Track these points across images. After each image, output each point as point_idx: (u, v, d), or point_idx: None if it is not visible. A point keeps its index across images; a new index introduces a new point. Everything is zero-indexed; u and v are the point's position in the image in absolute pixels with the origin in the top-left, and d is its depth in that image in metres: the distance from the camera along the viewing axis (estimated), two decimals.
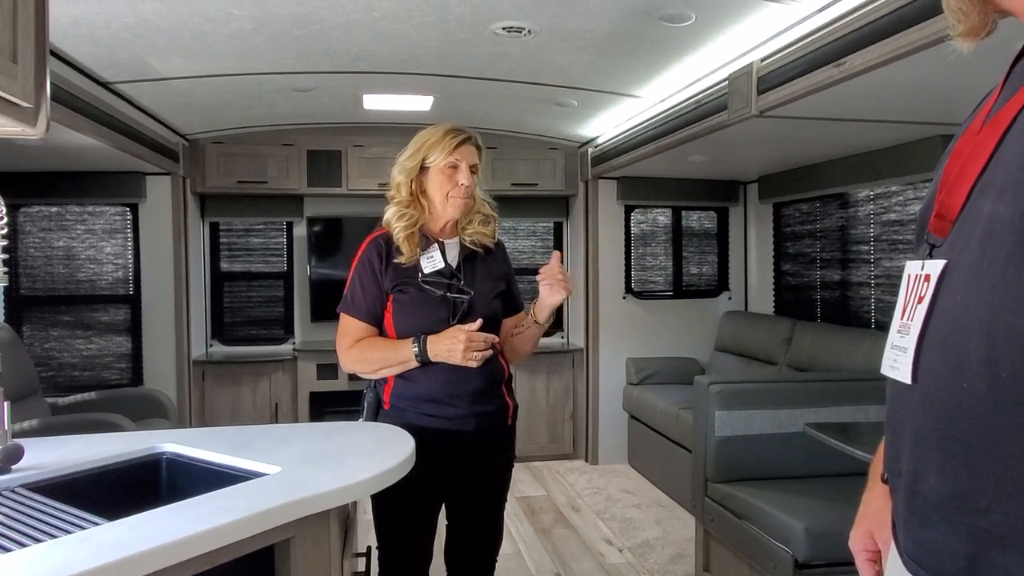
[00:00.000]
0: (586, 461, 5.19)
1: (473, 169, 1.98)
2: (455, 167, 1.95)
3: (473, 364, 1.87)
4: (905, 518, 0.90)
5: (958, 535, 0.81)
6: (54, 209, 4.53)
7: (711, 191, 5.24)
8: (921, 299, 0.88)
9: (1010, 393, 0.75)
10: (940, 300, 0.85)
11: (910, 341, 0.88)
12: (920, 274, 0.89)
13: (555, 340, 5.45)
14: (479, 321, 1.89)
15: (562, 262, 1.96)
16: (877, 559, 1.05)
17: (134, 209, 4.56)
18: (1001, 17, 0.91)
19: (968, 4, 0.87)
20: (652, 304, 5.25)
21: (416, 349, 1.88)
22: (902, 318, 0.91)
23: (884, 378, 0.98)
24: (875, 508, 1.07)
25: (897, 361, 0.90)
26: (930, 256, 0.89)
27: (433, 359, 1.88)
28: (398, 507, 1.90)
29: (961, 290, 0.82)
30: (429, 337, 1.88)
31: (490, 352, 1.91)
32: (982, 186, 0.82)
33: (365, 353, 1.94)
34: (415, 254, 1.94)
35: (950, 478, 0.82)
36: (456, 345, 1.85)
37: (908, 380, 0.88)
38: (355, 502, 2.03)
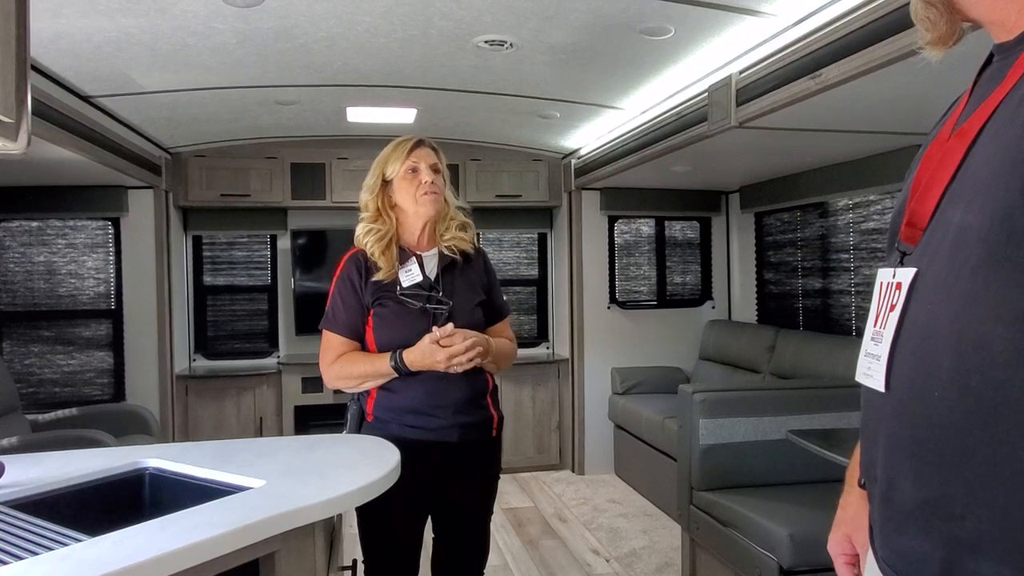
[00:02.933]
0: (572, 471, 5.19)
1: (434, 168, 2.00)
2: (415, 169, 1.98)
3: (458, 369, 1.87)
4: (881, 524, 0.91)
5: (933, 542, 0.82)
6: (35, 224, 4.49)
7: (693, 201, 5.28)
8: (893, 307, 0.89)
9: (980, 402, 0.77)
10: (911, 309, 0.86)
11: (883, 349, 0.89)
12: (892, 282, 0.90)
13: (540, 351, 5.46)
14: (449, 325, 1.88)
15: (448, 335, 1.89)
16: (856, 562, 1.06)
17: (116, 223, 4.53)
18: (972, 29, 0.92)
19: (936, 13, 0.88)
20: (636, 314, 5.28)
21: (393, 364, 1.89)
22: (875, 326, 0.92)
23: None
24: (852, 512, 1.08)
25: (871, 369, 0.91)
26: (901, 264, 0.90)
27: (412, 368, 1.89)
28: (383, 520, 1.89)
29: (932, 299, 0.83)
30: (404, 352, 1.89)
31: (479, 359, 1.89)
32: (951, 195, 0.84)
33: (345, 369, 1.95)
34: (394, 268, 1.95)
35: (924, 486, 0.83)
36: (434, 355, 1.86)
37: (882, 388, 0.89)
38: (340, 515, 2.02)
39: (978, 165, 0.81)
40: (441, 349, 1.85)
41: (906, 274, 0.87)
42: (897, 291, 0.88)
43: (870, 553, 0.98)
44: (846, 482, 1.13)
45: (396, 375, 1.91)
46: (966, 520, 0.78)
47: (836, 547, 1.10)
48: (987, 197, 0.77)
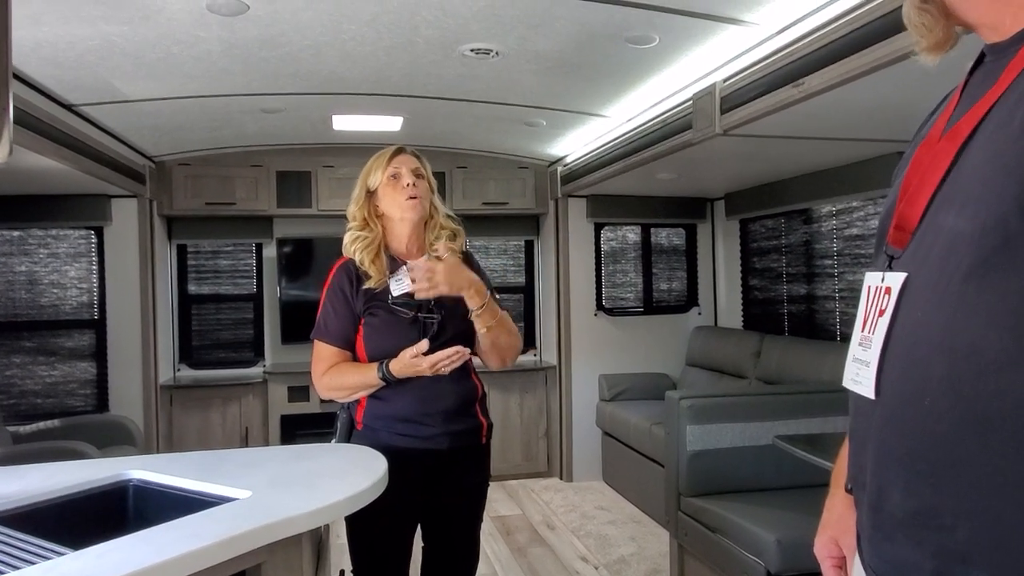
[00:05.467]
0: (560, 479, 5.19)
1: (416, 173, 2.00)
2: (396, 175, 1.99)
3: (445, 371, 1.86)
4: (870, 533, 0.90)
5: (923, 552, 0.81)
6: (16, 233, 4.44)
7: (679, 208, 5.31)
8: (882, 312, 0.87)
9: (972, 411, 0.75)
10: (901, 314, 0.85)
11: (872, 355, 0.87)
12: (881, 286, 0.89)
13: (528, 358, 5.46)
14: (424, 343, 1.85)
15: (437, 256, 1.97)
16: (842, 565, 1.06)
17: (99, 232, 4.49)
18: (964, 33, 0.90)
19: (931, 19, 0.87)
20: (623, 320, 5.30)
21: (381, 375, 1.88)
22: (863, 331, 0.91)
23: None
24: (838, 515, 1.07)
25: (859, 375, 0.90)
26: (889, 268, 0.89)
27: (399, 376, 1.88)
28: (372, 529, 1.88)
29: (922, 305, 0.82)
30: (390, 362, 1.88)
31: (464, 357, 1.87)
32: (942, 198, 0.82)
33: (335, 380, 1.95)
34: (384, 277, 1.95)
35: (914, 495, 0.82)
36: (417, 366, 1.85)
37: (871, 395, 0.87)
38: (327, 525, 2.00)
39: (971, 169, 0.80)
40: (424, 358, 1.84)
41: (896, 278, 0.86)
42: (886, 295, 0.87)
43: (857, 560, 0.97)
44: (831, 485, 1.12)
45: (385, 384, 1.91)
46: (957, 531, 0.77)
47: (823, 550, 1.09)
48: (980, 202, 0.76)
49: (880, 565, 0.89)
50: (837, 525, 1.07)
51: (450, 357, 1.85)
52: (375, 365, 1.90)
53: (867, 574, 0.93)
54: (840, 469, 1.09)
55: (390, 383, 1.90)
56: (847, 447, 1.05)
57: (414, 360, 1.85)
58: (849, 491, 1.01)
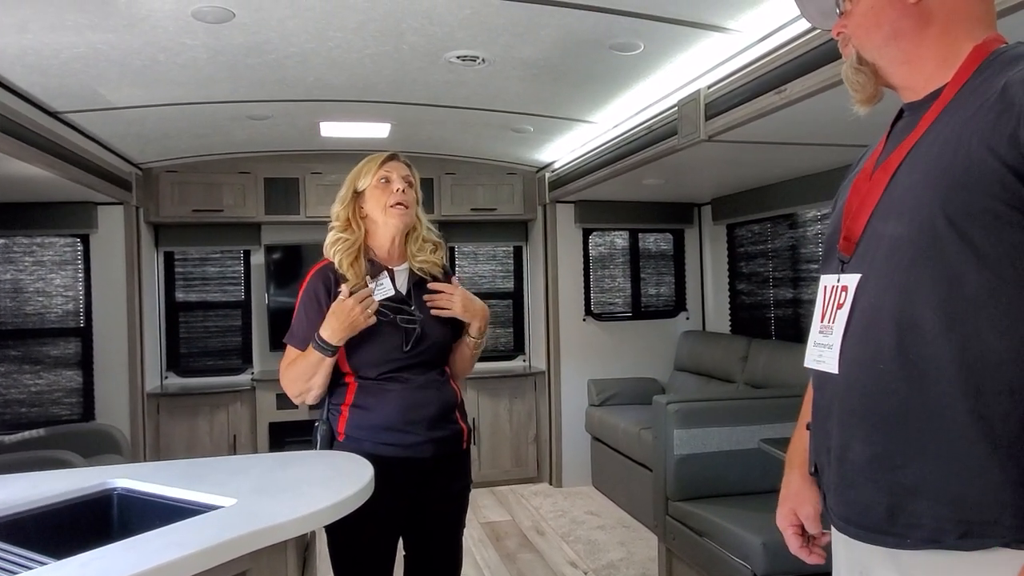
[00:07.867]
0: (550, 484, 5.19)
1: (407, 181, 2.01)
2: (387, 180, 1.99)
3: (371, 319, 1.86)
4: (836, 485, 1.08)
5: (879, 490, 1.00)
6: (1, 241, 4.41)
7: (666, 213, 5.34)
8: (841, 305, 1.07)
9: (916, 372, 0.96)
10: (858, 304, 1.05)
11: (834, 339, 1.08)
12: (837, 285, 1.09)
13: (516, 363, 5.47)
14: (345, 289, 1.88)
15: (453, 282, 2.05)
16: (802, 532, 1.24)
17: (85, 240, 4.47)
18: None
19: (864, 78, 1.12)
20: (612, 325, 5.31)
21: (315, 344, 1.86)
22: (823, 321, 1.11)
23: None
24: (795, 489, 1.26)
25: (822, 356, 1.10)
26: (843, 270, 1.09)
27: (335, 340, 1.85)
28: (355, 537, 1.87)
29: (874, 294, 1.03)
30: (320, 329, 1.86)
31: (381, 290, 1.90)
32: (880, 214, 1.04)
33: (290, 373, 1.94)
34: (362, 280, 1.95)
35: (872, 443, 1.01)
36: (345, 312, 1.83)
37: (835, 370, 1.07)
38: (315, 532, 2.00)
39: (902, 189, 1.01)
40: (349, 299, 1.84)
41: (852, 279, 1.07)
42: (843, 292, 1.07)
43: (834, 530, 1.11)
44: (786, 465, 1.30)
45: (327, 357, 1.87)
46: (907, 469, 0.97)
47: (783, 520, 1.26)
48: (914, 211, 0.98)
49: (844, 510, 1.07)
50: (795, 498, 1.25)
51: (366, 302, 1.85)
52: (310, 344, 1.88)
53: (834, 524, 1.10)
54: (793, 452, 1.30)
55: (328, 352, 1.86)
56: (801, 432, 1.28)
57: (340, 306, 1.83)
58: (812, 474, 1.18)
